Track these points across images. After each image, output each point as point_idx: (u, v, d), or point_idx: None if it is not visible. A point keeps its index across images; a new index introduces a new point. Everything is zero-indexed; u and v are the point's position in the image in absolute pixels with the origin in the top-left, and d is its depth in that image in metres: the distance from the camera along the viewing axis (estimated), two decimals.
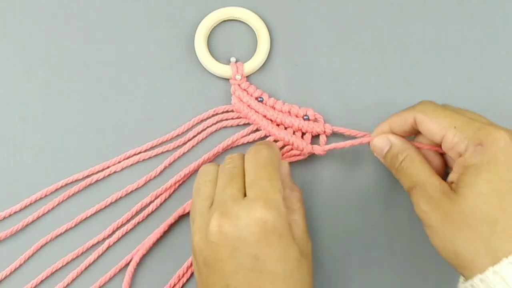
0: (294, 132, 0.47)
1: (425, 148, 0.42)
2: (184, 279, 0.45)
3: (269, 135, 0.46)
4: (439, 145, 0.40)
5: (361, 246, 0.46)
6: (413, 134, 0.43)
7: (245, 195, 0.38)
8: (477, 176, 0.37)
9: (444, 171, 0.43)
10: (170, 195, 0.46)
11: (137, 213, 0.45)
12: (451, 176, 0.39)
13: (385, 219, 0.46)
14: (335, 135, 0.47)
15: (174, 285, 0.45)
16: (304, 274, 0.38)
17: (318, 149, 0.45)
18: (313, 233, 0.45)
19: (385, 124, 0.43)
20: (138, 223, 0.45)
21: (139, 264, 0.45)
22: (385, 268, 0.46)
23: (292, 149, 0.46)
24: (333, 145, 0.45)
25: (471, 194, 0.36)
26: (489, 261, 0.35)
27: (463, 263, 0.36)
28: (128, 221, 0.45)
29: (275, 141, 0.46)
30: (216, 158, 0.47)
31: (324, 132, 0.46)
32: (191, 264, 0.45)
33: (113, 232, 0.45)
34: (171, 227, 0.45)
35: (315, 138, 0.47)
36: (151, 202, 0.46)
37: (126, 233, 0.45)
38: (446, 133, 0.39)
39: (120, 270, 0.45)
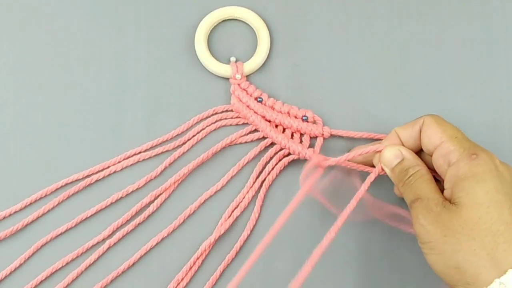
0: (292, 134, 0.47)
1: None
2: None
3: (268, 137, 0.46)
4: (431, 154, 0.41)
5: (361, 247, 0.46)
6: (418, 148, 0.42)
7: None
8: (476, 185, 0.37)
9: None
10: (169, 195, 0.46)
11: (137, 213, 0.46)
12: (445, 194, 0.39)
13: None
14: (333, 137, 0.47)
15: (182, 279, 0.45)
16: None
17: (314, 157, 0.45)
18: (314, 233, 0.46)
19: (393, 132, 0.43)
20: (139, 224, 0.45)
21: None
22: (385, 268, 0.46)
23: (289, 153, 0.46)
24: (335, 160, 0.43)
25: (471, 203, 0.36)
26: (495, 273, 0.35)
27: (466, 277, 0.36)
28: (128, 221, 0.46)
29: (272, 144, 0.46)
30: (214, 158, 0.47)
31: (323, 134, 0.46)
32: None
33: (113, 232, 0.45)
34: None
35: (313, 139, 0.47)
36: (150, 202, 0.46)
37: (127, 233, 0.45)
38: (445, 140, 0.39)
39: (121, 272, 0.45)
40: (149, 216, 0.46)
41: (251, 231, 0.45)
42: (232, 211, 0.46)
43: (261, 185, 0.46)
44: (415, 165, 0.41)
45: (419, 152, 0.42)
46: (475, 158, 0.38)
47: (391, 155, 0.42)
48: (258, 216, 0.46)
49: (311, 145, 0.47)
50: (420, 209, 0.38)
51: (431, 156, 0.41)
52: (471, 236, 0.36)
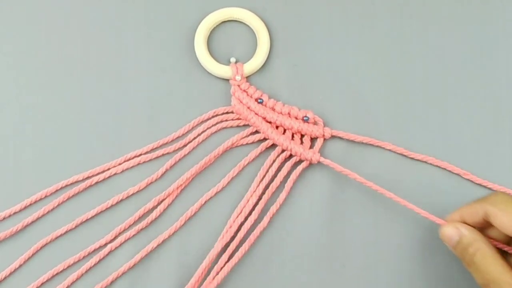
0: (293, 135, 0.47)
1: (498, 245, 0.40)
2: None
3: (268, 138, 0.46)
4: None
5: (360, 258, 0.46)
6: (486, 227, 0.40)
7: None
8: None
9: None
10: (173, 200, 0.46)
11: (140, 218, 0.45)
12: None
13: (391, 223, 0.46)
14: (334, 138, 0.47)
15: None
16: None
17: (315, 158, 0.45)
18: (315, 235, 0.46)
19: (457, 213, 0.41)
20: (142, 229, 0.45)
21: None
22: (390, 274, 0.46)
23: (291, 155, 0.46)
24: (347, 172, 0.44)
25: None
26: None
27: None
28: (130, 226, 0.45)
29: (274, 145, 0.46)
30: (216, 160, 0.47)
31: (323, 135, 0.46)
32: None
33: (116, 237, 0.45)
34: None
35: (314, 140, 0.47)
36: (154, 207, 0.46)
37: (129, 238, 0.45)
38: None
39: (121, 274, 0.45)
40: (152, 221, 0.45)
41: (257, 236, 0.45)
42: (236, 218, 0.45)
43: (264, 191, 0.46)
44: (473, 242, 0.38)
45: None
46: None
47: (449, 233, 0.40)
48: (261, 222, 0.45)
49: (312, 146, 0.47)
50: None
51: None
52: None
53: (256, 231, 0.45)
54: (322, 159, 0.45)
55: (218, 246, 0.44)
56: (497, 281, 0.36)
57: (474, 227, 0.40)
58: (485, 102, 0.48)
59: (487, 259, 0.37)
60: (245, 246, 0.45)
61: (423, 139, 0.47)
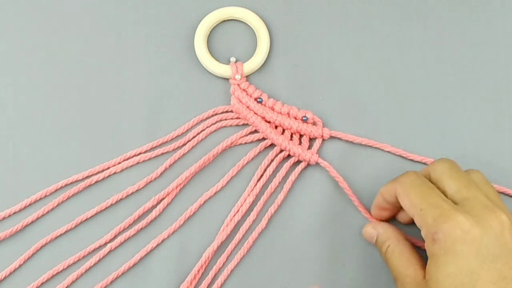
0: (292, 135, 0.47)
1: (412, 241, 0.43)
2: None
3: (267, 138, 0.46)
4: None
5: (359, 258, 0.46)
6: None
7: None
8: (437, 269, 0.36)
9: None
10: (172, 199, 0.46)
11: (139, 217, 0.45)
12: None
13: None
14: (332, 139, 0.47)
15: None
16: None
17: (313, 159, 0.45)
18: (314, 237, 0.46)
19: (379, 194, 0.42)
20: (141, 228, 0.45)
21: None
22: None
23: (289, 155, 0.46)
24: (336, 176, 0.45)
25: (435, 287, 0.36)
26: None
27: None
28: (130, 225, 0.45)
29: (273, 145, 0.46)
30: (215, 160, 0.47)
31: (322, 136, 0.46)
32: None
33: (115, 236, 0.45)
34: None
35: (312, 140, 0.47)
36: (153, 206, 0.46)
37: (129, 238, 0.45)
38: (414, 214, 0.38)
39: (121, 274, 0.45)
40: (151, 221, 0.46)
41: (256, 238, 0.45)
42: (233, 216, 0.45)
43: (262, 191, 0.46)
44: (386, 240, 0.41)
45: None
46: (436, 239, 0.36)
47: (369, 233, 0.43)
48: (260, 223, 0.46)
49: (310, 146, 0.47)
50: None
51: None
52: None
53: (255, 233, 0.45)
54: (320, 161, 0.45)
55: (214, 245, 0.45)
56: (401, 276, 0.38)
57: (395, 205, 0.41)
58: (485, 103, 0.48)
59: (394, 255, 0.40)
60: (244, 248, 0.45)
61: (423, 140, 0.47)
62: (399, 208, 0.42)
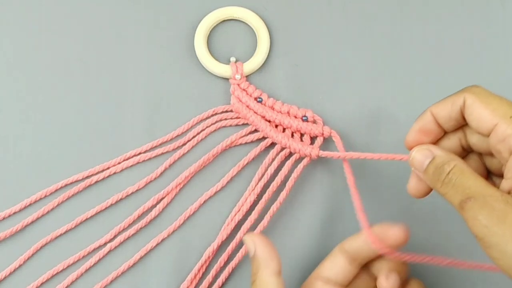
0: (292, 134, 0.47)
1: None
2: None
3: (267, 137, 0.46)
4: (487, 136, 0.35)
5: None
6: (457, 126, 0.37)
7: None
8: None
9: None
10: (172, 199, 0.46)
11: (139, 217, 0.45)
12: (504, 185, 0.33)
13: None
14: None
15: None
16: None
17: (314, 153, 0.45)
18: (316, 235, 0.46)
19: (426, 115, 0.37)
20: (141, 228, 0.45)
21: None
22: None
23: (290, 152, 0.46)
24: (354, 154, 0.43)
25: None
26: None
27: None
28: (130, 225, 0.45)
29: (273, 144, 0.46)
30: (215, 159, 0.47)
31: (323, 134, 0.46)
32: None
33: (115, 236, 0.45)
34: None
35: (313, 139, 0.47)
36: (153, 206, 0.46)
37: (129, 237, 0.45)
38: (499, 122, 0.33)
39: (121, 273, 0.45)
40: (151, 220, 0.45)
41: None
42: (234, 216, 0.45)
43: (263, 190, 0.46)
44: (450, 160, 0.35)
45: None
46: None
47: (420, 156, 0.36)
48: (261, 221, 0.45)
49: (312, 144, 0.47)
50: (478, 209, 0.32)
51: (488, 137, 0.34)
52: None
53: (256, 232, 0.45)
54: (321, 153, 0.45)
55: (215, 244, 0.44)
56: (480, 194, 0.32)
57: (450, 124, 0.37)
58: None
59: (465, 173, 0.34)
60: (245, 248, 0.44)
61: None
62: (444, 133, 0.38)
